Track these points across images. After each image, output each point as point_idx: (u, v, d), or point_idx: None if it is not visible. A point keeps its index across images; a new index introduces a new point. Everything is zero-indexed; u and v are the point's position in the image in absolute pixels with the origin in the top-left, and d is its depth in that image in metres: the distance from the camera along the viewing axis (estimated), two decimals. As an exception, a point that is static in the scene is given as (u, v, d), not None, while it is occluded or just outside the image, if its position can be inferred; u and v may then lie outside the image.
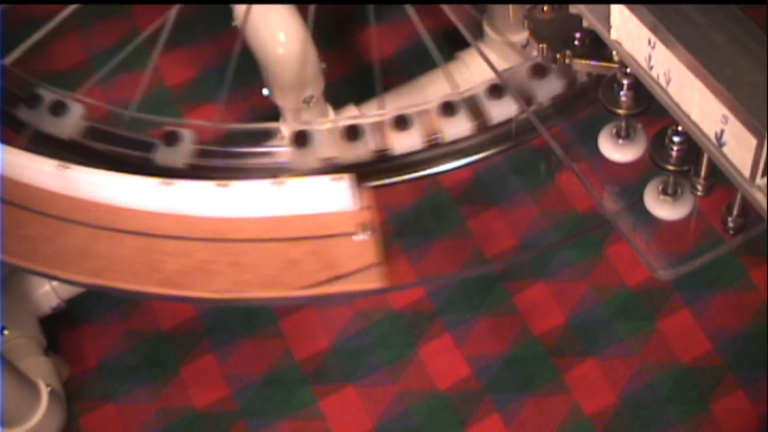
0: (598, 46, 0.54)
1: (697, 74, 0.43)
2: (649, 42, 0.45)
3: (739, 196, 0.51)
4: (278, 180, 0.67)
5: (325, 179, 0.67)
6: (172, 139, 0.80)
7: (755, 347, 1.05)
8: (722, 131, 0.43)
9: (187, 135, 0.80)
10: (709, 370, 1.04)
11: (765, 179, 0.43)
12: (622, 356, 1.06)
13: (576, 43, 0.55)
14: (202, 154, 0.80)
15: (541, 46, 0.55)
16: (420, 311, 1.10)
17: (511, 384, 1.05)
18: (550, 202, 1.16)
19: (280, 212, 0.69)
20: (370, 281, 0.67)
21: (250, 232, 0.69)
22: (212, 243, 0.69)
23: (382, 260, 0.67)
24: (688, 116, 0.45)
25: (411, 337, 1.09)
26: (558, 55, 0.55)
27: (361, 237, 0.68)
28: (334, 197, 0.68)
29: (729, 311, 1.08)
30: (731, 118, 0.42)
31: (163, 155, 0.80)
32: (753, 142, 0.41)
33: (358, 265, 0.66)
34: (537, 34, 0.56)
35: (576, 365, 1.06)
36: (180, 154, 0.79)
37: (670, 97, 0.46)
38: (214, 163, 0.81)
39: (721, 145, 0.43)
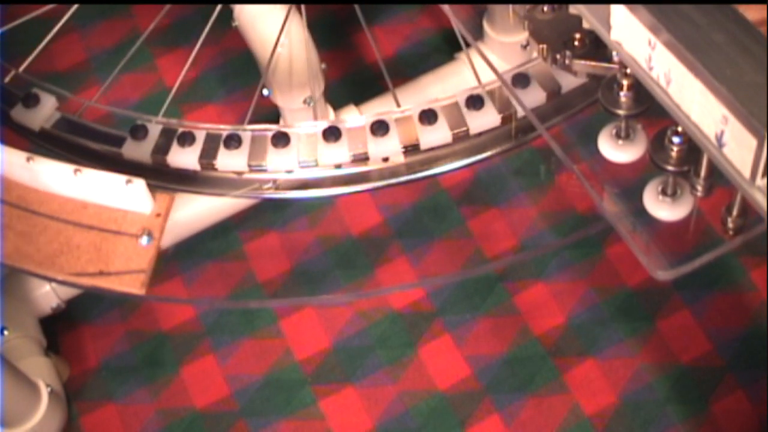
0: (598, 47, 0.54)
1: (697, 75, 0.43)
2: (650, 43, 0.45)
3: (739, 197, 0.51)
4: (78, 168, 0.70)
5: (121, 178, 0.69)
6: (140, 133, 0.80)
7: (755, 347, 1.05)
8: (722, 132, 0.43)
9: (154, 130, 0.80)
10: (709, 370, 1.04)
11: (765, 180, 0.43)
12: (622, 356, 1.06)
13: (576, 43, 0.55)
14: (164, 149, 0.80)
15: (541, 46, 0.55)
16: (420, 311, 1.10)
17: (511, 384, 1.05)
18: (550, 202, 1.16)
19: (81, 196, 0.71)
20: (131, 285, 0.70)
21: (51, 207, 0.71)
22: (15, 209, 0.71)
23: (151, 269, 0.70)
24: (688, 117, 0.45)
25: (411, 337, 1.09)
26: (558, 56, 0.55)
27: (144, 241, 0.71)
28: (129, 197, 0.71)
29: (729, 311, 1.08)
30: (731, 118, 0.42)
31: (130, 149, 0.80)
32: (753, 142, 0.41)
33: (127, 267, 0.70)
34: (537, 34, 0.56)
35: (576, 365, 1.06)
36: (147, 149, 0.79)
37: (670, 98, 0.46)
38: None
39: (721, 145, 0.43)
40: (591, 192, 0.57)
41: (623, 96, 0.53)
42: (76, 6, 0.89)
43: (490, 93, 0.77)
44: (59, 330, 1.11)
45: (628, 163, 0.55)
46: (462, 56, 1.08)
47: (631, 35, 0.46)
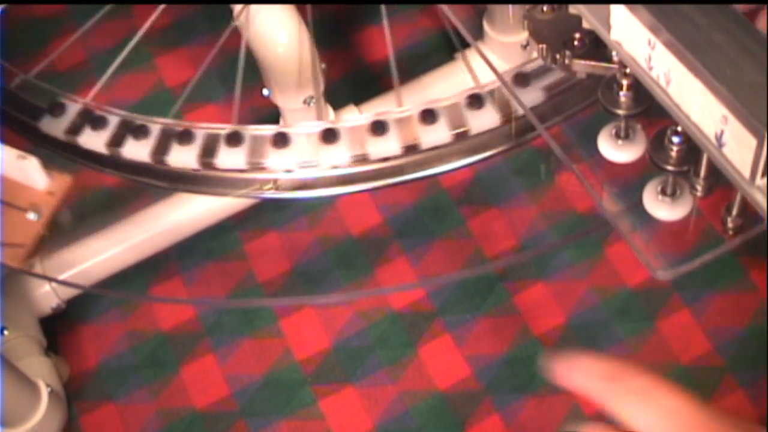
0: (597, 47, 0.54)
1: (697, 75, 0.43)
2: (649, 43, 0.45)
3: (738, 196, 0.51)
4: None
5: (13, 152, 0.70)
6: (57, 110, 0.80)
7: (755, 347, 1.05)
8: (722, 132, 0.43)
9: (72, 108, 0.80)
10: (709, 370, 1.04)
11: (765, 180, 0.43)
12: (622, 356, 1.06)
13: (576, 43, 0.55)
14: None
15: (540, 46, 0.55)
16: (420, 311, 1.10)
17: (511, 384, 1.05)
18: (550, 202, 1.16)
19: None
20: (9, 258, 0.71)
21: None
22: None
23: (33, 246, 0.70)
24: (688, 117, 0.45)
25: (411, 337, 1.09)
26: (557, 56, 0.55)
27: (31, 217, 0.71)
28: (24, 171, 0.71)
29: (729, 311, 1.08)
30: (731, 118, 0.42)
31: (46, 124, 0.81)
32: (753, 142, 0.41)
33: (8, 240, 0.70)
34: (536, 34, 0.56)
35: (576, 365, 1.06)
36: (61, 127, 0.80)
37: (670, 98, 0.46)
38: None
39: (721, 145, 0.43)
40: (591, 192, 0.57)
41: (623, 96, 0.53)
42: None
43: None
44: (59, 330, 1.11)
45: (627, 162, 0.55)
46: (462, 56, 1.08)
47: (631, 35, 0.46)
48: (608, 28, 0.48)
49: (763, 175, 0.42)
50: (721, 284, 1.09)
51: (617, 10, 0.47)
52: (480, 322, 1.09)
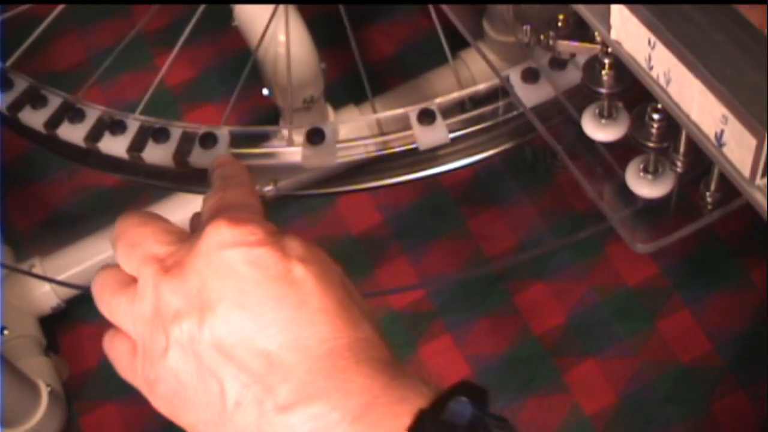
0: (581, 27, 0.54)
1: (697, 74, 0.43)
2: (649, 42, 0.45)
3: (716, 171, 0.51)
4: None
5: None
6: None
7: (755, 347, 1.05)
8: (722, 131, 0.43)
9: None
10: (709, 370, 1.04)
11: (765, 179, 0.43)
12: (622, 356, 1.06)
13: (559, 24, 0.55)
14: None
15: (525, 27, 0.56)
16: (420, 311, 1.10)
17: (511, 384, 1.05)
18: (550, 202, 1.16)
19: None
20: None
21: None
22: None
23: None
24: (688, 116, 0.45)
25: (411, 337, 1.09)
26: (542, 36, 0.55)
27: None
28: None
29: (729, 311, 1.08)
30: (731, 118, 0.42)
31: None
32: (753, 142, 0.41)
33: None
34: (521, 15, 0.56)
35: (576, 365, 1.06)
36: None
37: (670, 98, 0.46)
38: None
39: (721, 145, 0.43)
40: (574, 171, 0.57)
41: (605, 75, 0.53)
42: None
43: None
44: (59, 330, 1.11)
45: (611, 141, 0.55)
46: (462, 55, 1.08)
47: (631, 35, 0.46)
48: (608, 27, 0.48)
49: (763, 175, 0.42)
50: (721, 284, 1.09)
51: (617, 10, 0.47)
52: (480, 322, 1.09)
